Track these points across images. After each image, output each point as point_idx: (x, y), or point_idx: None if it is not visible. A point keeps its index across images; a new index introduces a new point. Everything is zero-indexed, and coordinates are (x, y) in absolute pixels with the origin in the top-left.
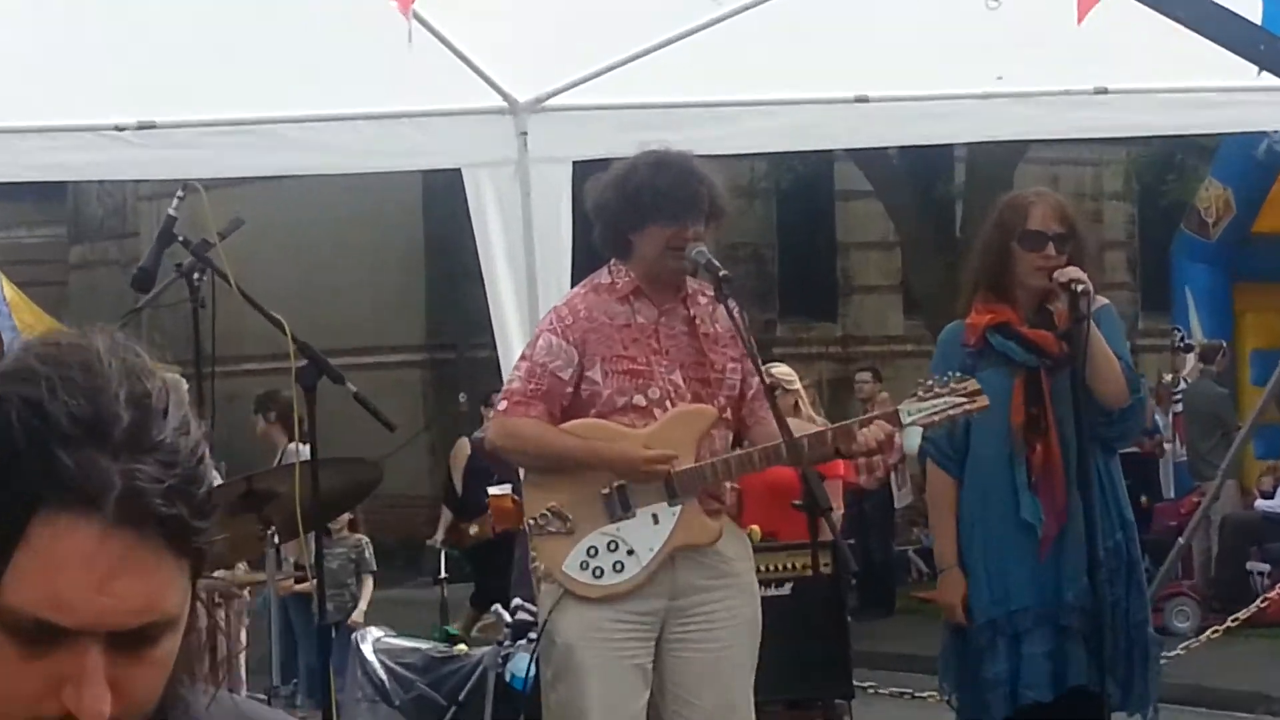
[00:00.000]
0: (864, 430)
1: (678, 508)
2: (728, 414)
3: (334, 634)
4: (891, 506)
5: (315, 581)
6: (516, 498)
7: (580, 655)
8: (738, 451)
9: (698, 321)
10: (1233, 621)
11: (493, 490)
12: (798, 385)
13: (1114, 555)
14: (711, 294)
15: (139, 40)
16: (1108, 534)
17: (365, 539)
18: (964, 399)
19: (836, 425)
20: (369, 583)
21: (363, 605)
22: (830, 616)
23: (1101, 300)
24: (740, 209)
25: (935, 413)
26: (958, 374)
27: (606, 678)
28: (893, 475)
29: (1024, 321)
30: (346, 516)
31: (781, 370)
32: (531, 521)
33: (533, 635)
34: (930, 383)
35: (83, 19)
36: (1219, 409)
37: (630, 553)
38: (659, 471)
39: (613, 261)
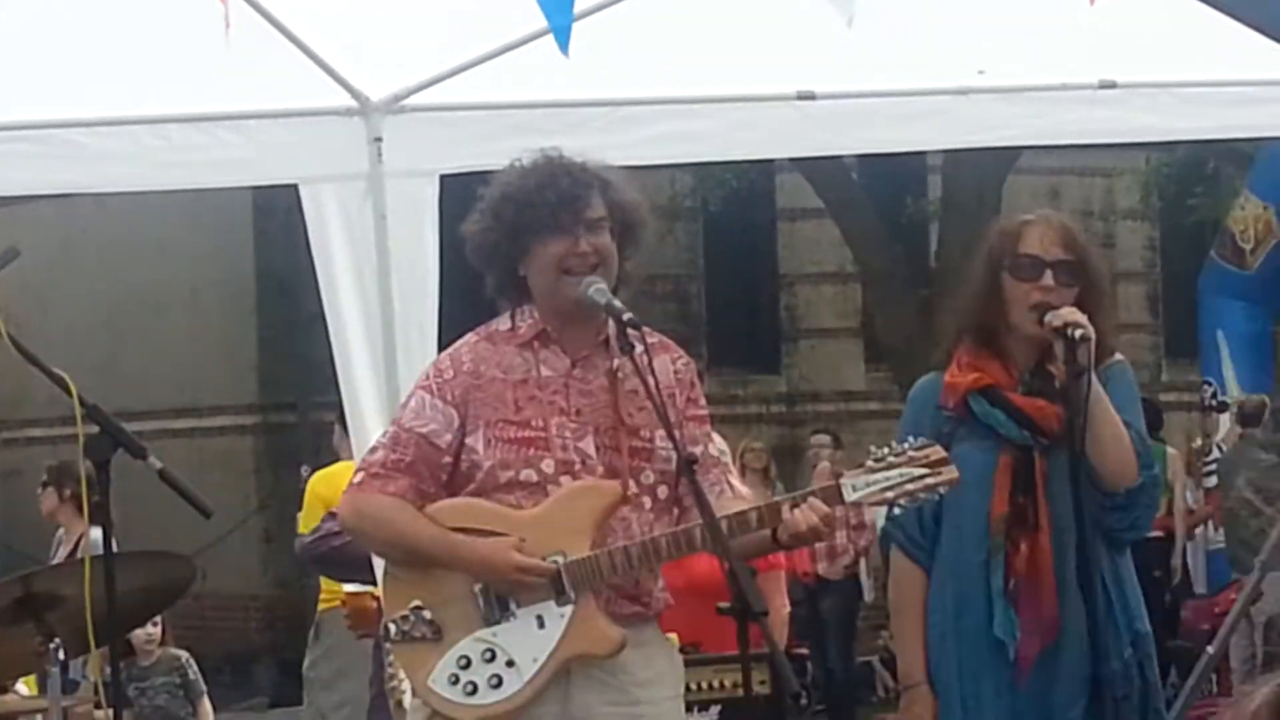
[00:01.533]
0: (795, 510)
1: (568, 609)
2: (658, 493)
3: None
4: (856, 604)
5: (115, 711)
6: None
7: None
8: (640, 539)
9: (620, 377)
10: None
11: (349, 588)
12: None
13: (1123, 678)
14: (654, 343)
15: None
16: (1115, 652)
17: (184, 655)
18: (925, 471)
19: (763, 504)
20: (205, 707)
21: None
22: None
23: (1114, 355)
24: (658, 234)
25: (889, 487)
26: (918, 439)
27: None
28: (863, 563)
29: (1017, 384)
30: (155, 631)
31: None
32: (391, 625)
33: None
34: (884, 451)
35: None
36: (1264, 481)
37: (510, 664)
38: (528, 584)
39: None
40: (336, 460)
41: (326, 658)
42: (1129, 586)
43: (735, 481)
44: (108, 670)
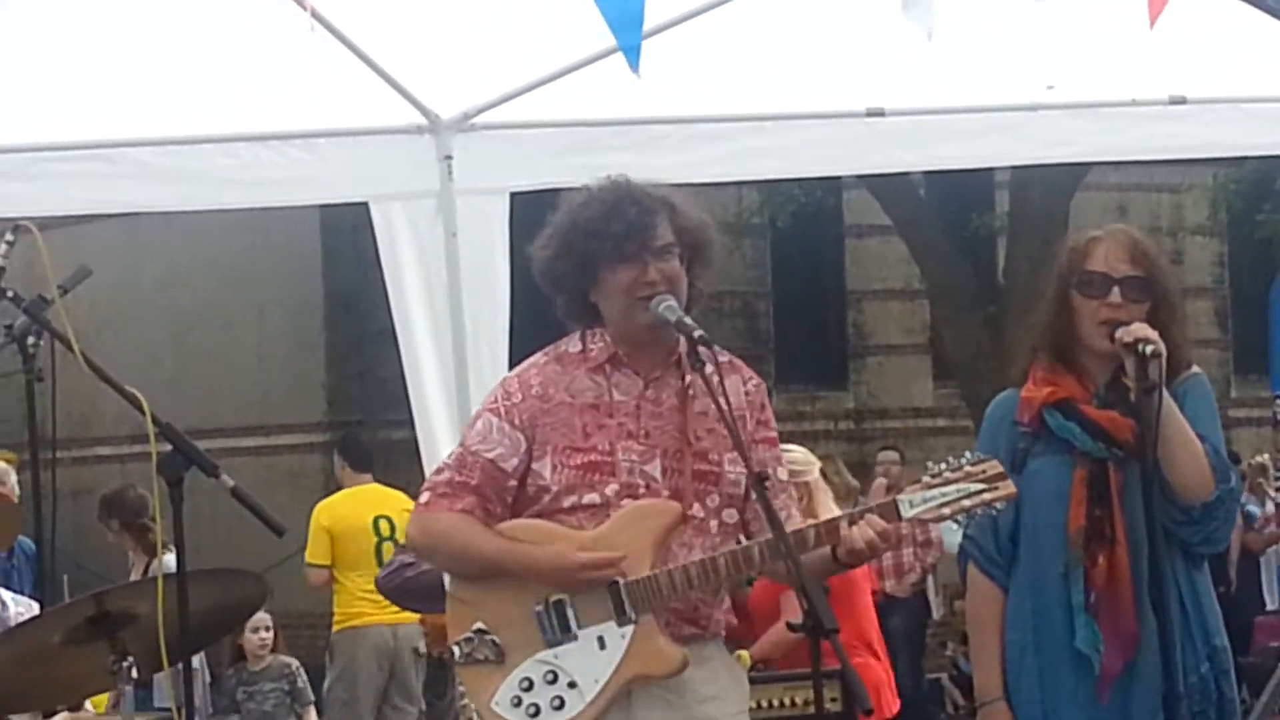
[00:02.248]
0: (853, 527)
1: (629, 629)
2: (724, 516)
3: None
4: (925, 621)
5: None
6: None
7: None
8: (699, 558)
9: (691, 395)
10: None
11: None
12: (813, 475)
13: (1200, 693)
14: (724, 362)
15: None
16: (1190, 667)
17: (295, 663)
18: (983, 486)
19: (822, 521)
20: (311, 716)
21: None
22: None
23: (1191, 368)
24: (726, 250)
25: (945, 503)
26: (975, 454)
27: None
28: (930, 580)
29: (1092, 398)
30: (263, 636)
31: (794, 454)
32: (456, 647)
33: None
34: (941, 467)
35: None
36: None
37: (572, 685)
38: (597, 578)
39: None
40: (366, 483)
41: (340, 679)
42: (1206, 600)
43: (797, 512)
44: (176, 691)
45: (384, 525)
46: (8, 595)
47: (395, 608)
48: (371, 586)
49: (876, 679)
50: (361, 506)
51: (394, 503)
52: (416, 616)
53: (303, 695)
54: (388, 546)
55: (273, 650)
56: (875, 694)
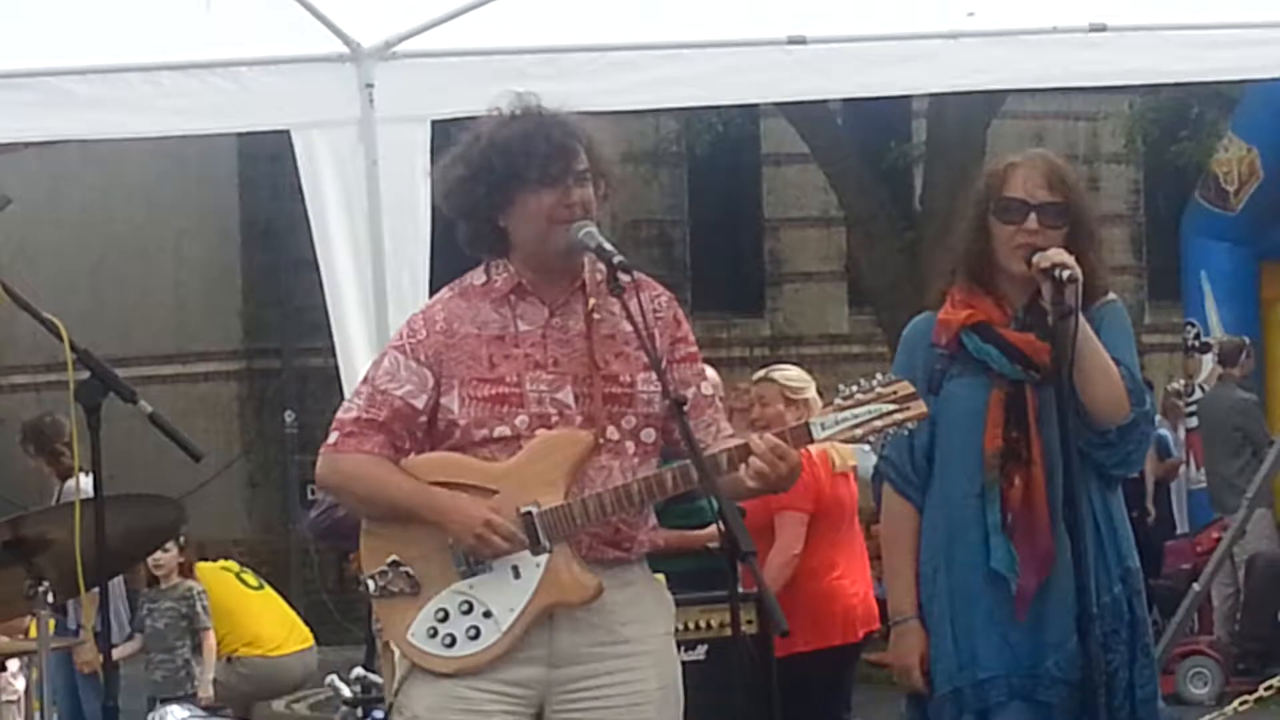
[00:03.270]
0: (760, 449)
1: (543, 558)
2: (642, 436)
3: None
4: None
5: (105, 654)
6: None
7: None
8: (616, 484)
9: (598, 319)
10: (1265, 689)
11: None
12: (809, 393)
13: (1112, 612)
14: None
15: None
16: (1104, 587)
17: (199, 586)
18: (894, 406)
19: (734, 445)
20: (209, 643)
21: (206, 675)
22: (755, 686)
23: (1107, 294)
24: (643, 178)
25: (858, 424)
26: (887, 376)
27: None
28: None
29: (1010, 321)
30: (175, 561)
31: (790, 373)
32: (371, 581)
33: (379, 714)
34: (852, 389)
35: None
36: (1245, 422)
37: (487, 615)
38: (498, 546)
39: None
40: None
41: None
42: (1119, 523)
43: (726, 424)
44: (88, 615)
45: None
46: None
47: None
48: None
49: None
50: None
51: None
52: None
53: (199, 620)
54: None
55: (182, 574)
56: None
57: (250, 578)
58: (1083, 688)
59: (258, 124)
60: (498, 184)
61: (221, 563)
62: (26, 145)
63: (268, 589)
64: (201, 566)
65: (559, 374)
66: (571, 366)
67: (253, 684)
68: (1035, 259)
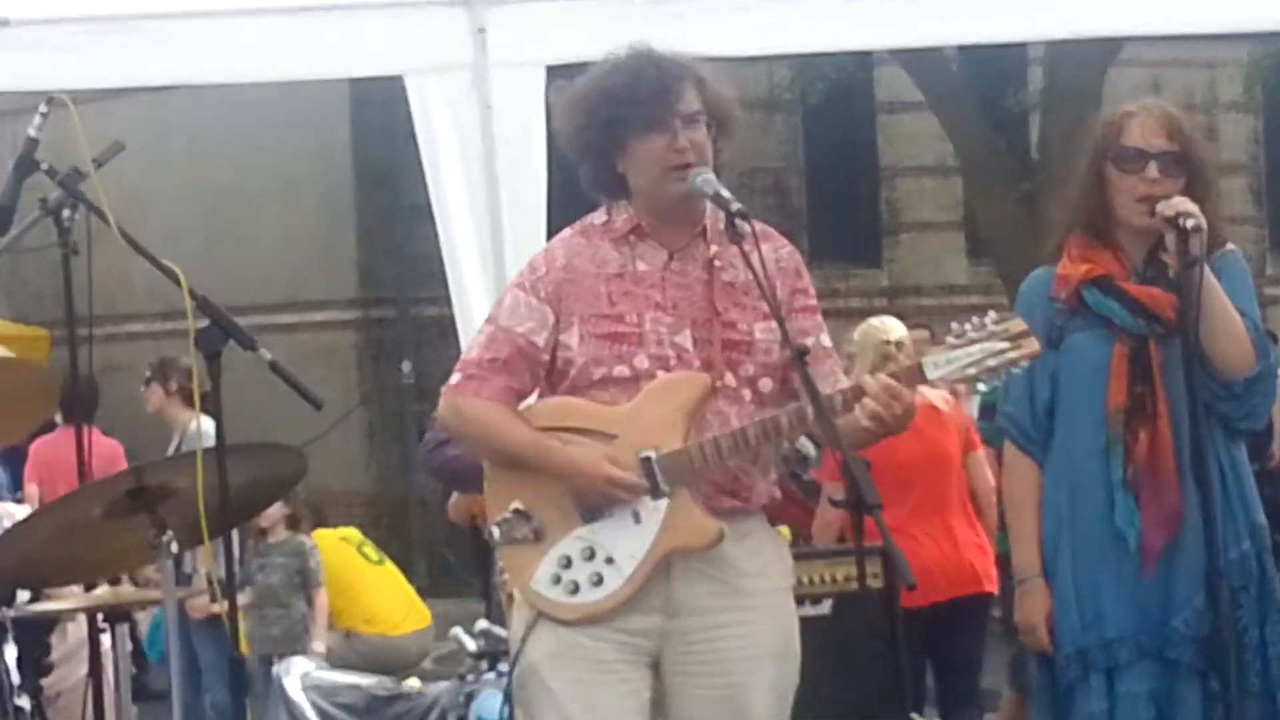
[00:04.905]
0: (873, 392)
1: (663, 503)
2: (759, 385)
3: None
4: None
5: (231, 602)
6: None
7: (557, 684)
8: (729, 430)
9: (718, 265)
10: None
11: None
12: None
13: (1240, 569)
14: (758, 231)
15: None
16: (1231, 543)
17: (310, 542)
18: (1007, 345)
19: (848, 387)
20: (322, 600)
21: (319, 628)
22: (881, 641)
23: (1225, 244)
24: (757, 127)
25: (970, 363)
26: (999, 314)
27: (590, 709)
28: None
29: (1130, 275)
30: (281, 514)
31: (885, 324)
32: (495, 528)
33: (504, 667)
34: (965, 327)
35: None
36: None
37: (610, 561)
38: (618, 496)
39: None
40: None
41: None
42: (1245, 477)
43: (844, 377)
44: (214, 565)
45: None
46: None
47: None
48: None
49: (931, 557)
50: None
51: None
52: None
53: (313, 576)
54: None
55: (291, 528)
56: (925, 574)
57: (371, 551)
58: (1211, 645)
59: (370, 70)
60: (609, 129)
61: (342, 532)
62: (136, 91)
63: (388, 564)
64: (321, 534)
65: (678, 317)
66: (690, 310)
67: (368, 662)
68: (1159, 207)
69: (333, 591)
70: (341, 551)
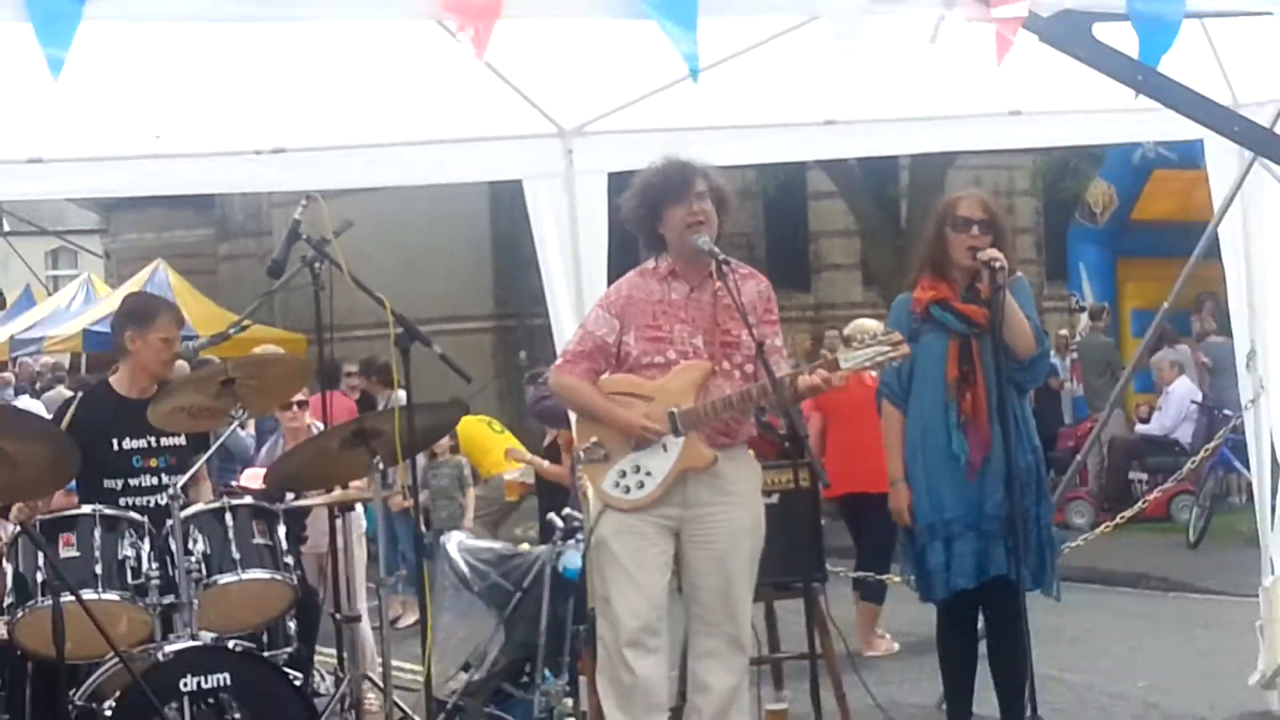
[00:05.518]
0: (806, 376)
1: (680, 439)
2: (744, 369)
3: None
4: None
5: (415, 499)
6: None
7: (616, 548)
8: (723, 396)
9: (720, 294)
10: (1120, 519)
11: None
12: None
13: (1026, 472)
14: (745, 273)
15: (271, 81)
16: (1020, 456)
17: (464, 460)
18: (889, 348)
19: (792, 372)
20: (471, 495)
21: (469, 514)
22: (809, 519)
23: (1016, 274)
24: (737, 207)
25: (866, 359)
26: (888, 330)
27: (637, 564)
28: None
29: (958, 297)
30: (446, 443)
31: (865, 323)
32: (582, 451)
33: (581, 537)
34: (865, 337)
35: (225, 59)
36: (1106, 355)
37: (648, 474)
38: (648, 439)
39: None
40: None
41: None
42: (1029, 419)
43: (785, 364)
44: (408, 476)
45: None
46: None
47: None
48: None
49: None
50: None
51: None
52: None
53: (466, 481)
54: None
55: (452, 452)
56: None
57: (496, 425)
58: (1009, 520)
59: (503, 175)
60: (653, 206)
61: (479, 416)
62: (359, 190)
63: (507, 433)
64: (466, 419)
65: (695, 327)
66: (702, 323)
67: (499, 492)
68: (979, 255)
69: (474, 451)
70: (479, 426)
